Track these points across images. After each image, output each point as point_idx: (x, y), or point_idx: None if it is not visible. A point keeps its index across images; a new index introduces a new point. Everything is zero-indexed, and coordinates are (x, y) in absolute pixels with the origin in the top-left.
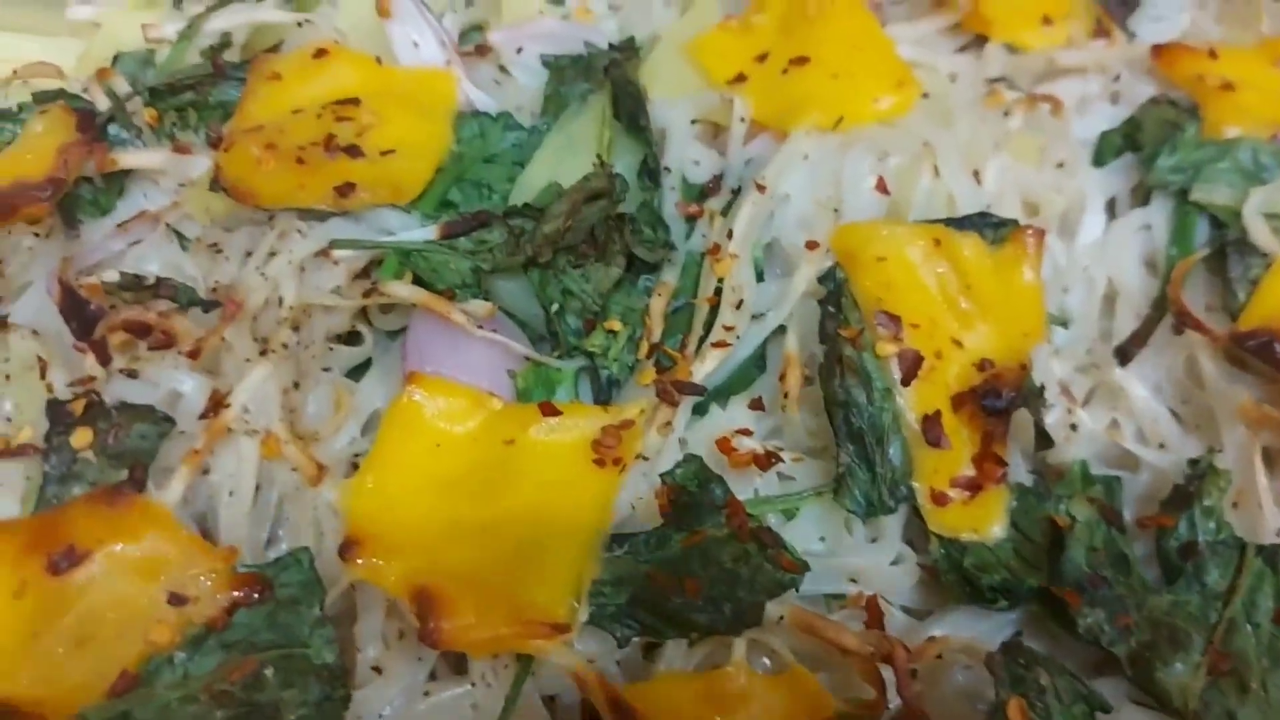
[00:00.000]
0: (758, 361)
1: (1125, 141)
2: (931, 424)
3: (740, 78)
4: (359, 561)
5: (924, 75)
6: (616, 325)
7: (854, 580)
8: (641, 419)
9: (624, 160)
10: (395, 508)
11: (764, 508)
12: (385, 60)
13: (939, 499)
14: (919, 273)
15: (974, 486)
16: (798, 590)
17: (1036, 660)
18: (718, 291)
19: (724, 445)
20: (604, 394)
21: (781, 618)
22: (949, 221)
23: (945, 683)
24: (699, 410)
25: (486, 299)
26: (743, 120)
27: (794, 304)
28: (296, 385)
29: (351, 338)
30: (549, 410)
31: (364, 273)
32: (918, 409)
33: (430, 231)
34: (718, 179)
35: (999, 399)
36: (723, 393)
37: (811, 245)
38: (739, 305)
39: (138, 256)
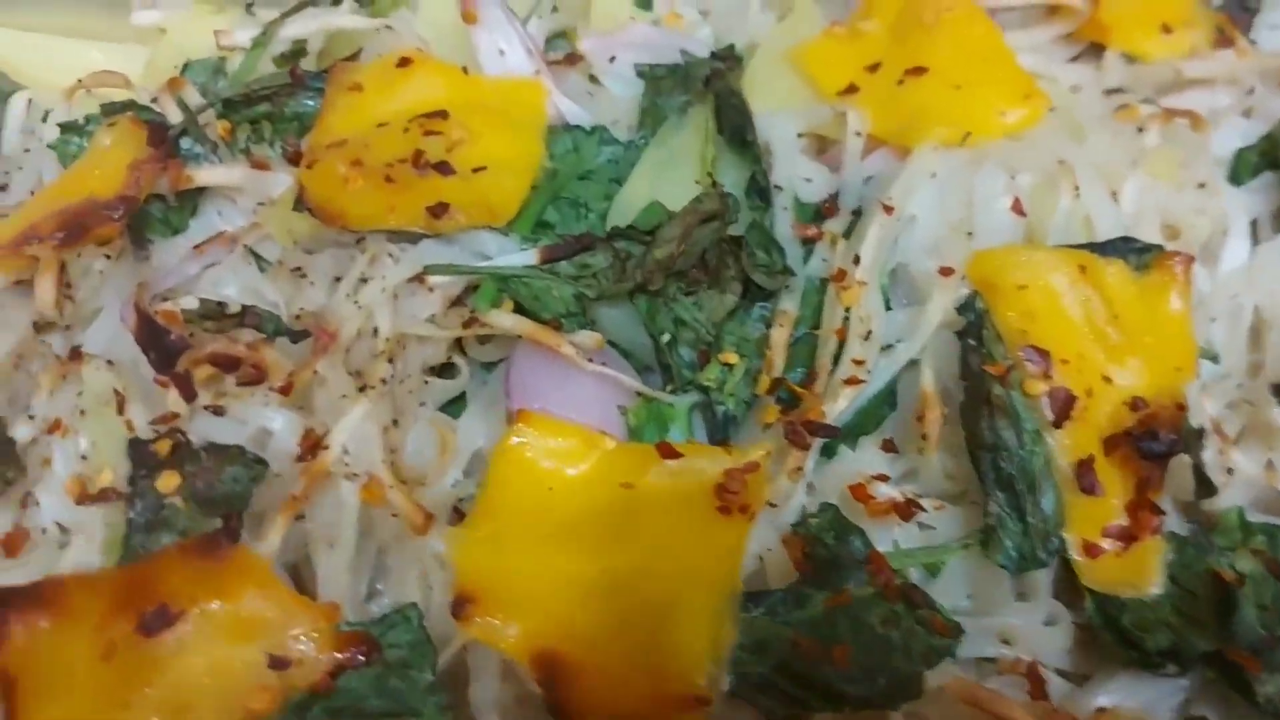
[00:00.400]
0: (888, 398)
1: (1263, 159)
2: (1085, 469)
3: (851, 89)
4: (475, 620)
5: (1046, 86)
6: (732, 357)
7: (1006, 642)
8: (767, 461)
9: (729, 177)
10: (509, 559)
11: (907, 561)
12: (469, 69)
13: (1091, 550)
14: (1064, 303)
15: (1128, 537)
16: (954, 656)
17: None
18: (843, 322)
19: (859, 492)
20: (719, 431)
21: (941, 688)
22: (1092, 246)
23: None
24: (826, 452)
25: (591, 328)
26: (859, 134)
27: (929, 335)
28: (395, 423)
29: (444, 369)
30: (668, 452)
31: (459, 299)
32: (1070, 453)
33: (530, 255)
34: (834, 198)
35: (1157, 442)
36: (852, 433)
37: (946, 272)
38: (867, 336)
39: (213, 280)
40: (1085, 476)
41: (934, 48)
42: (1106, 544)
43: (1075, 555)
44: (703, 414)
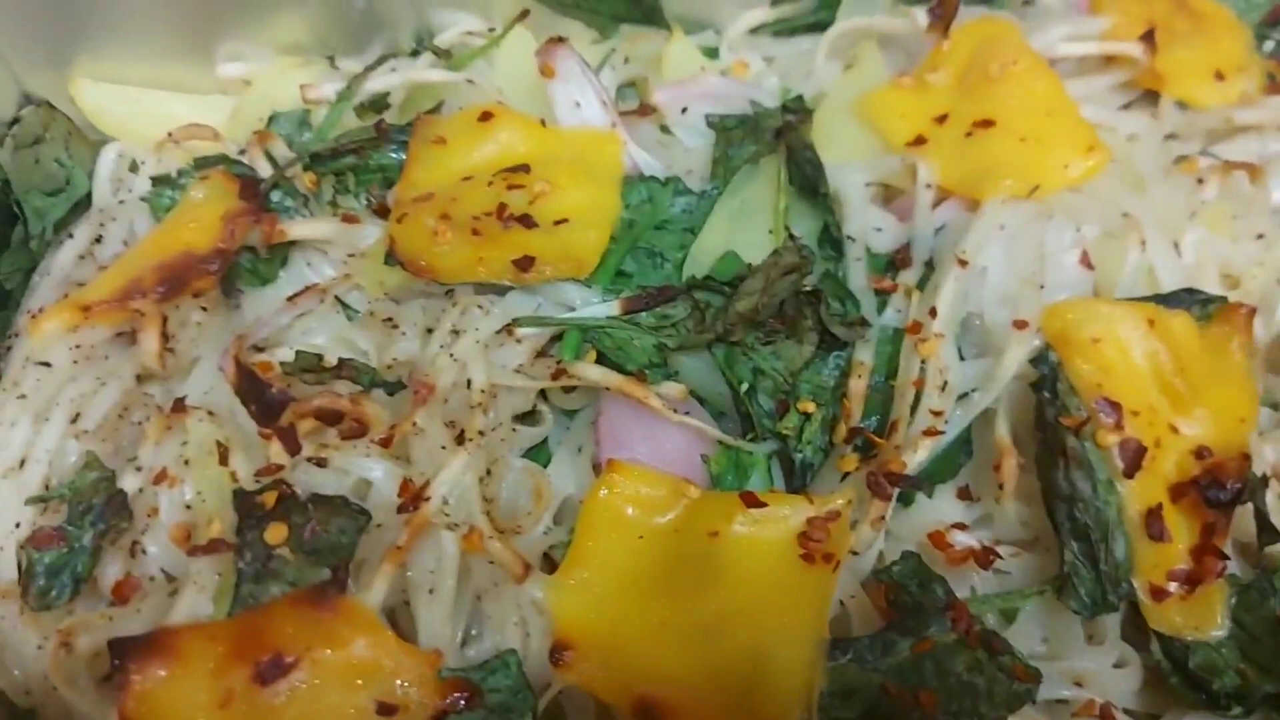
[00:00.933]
0: (964, 447)
1: None
2: (1154, 517)
3: (919, 140)
4: (572, 666)
5: (1105, 136)
6: (810, 406)
7: (1079, 684)
8: (848, 510)
9: (801, 227)
10: (602, 606)
11: (984, 608)
12: (547, 121)
13: (1158, 594)
14: (1135, 355)
15: (1193, 581)
16: (1034, 702)
17: None
18: (919, 373)
19: (938, 540)
20: (798, 479)
21: None
22: (1158, 298)
23: None
24: (904, 499)
25: (672, 377)
26: (929, 186)
27: (1004, 386)
28: (489, 472)
29: (527, 416)
30: (752, 501)
31: (544, 349)
32: (1139, 501)
33: (612, 306)
34: (906, 249)
35: (1223, 490)
36: (929, 480)
37: (1020, 324)
38: (944, 387)
39: (304, 330)
40: (1154, 524)
41: (1000, 100)
42: (1173, 587)
43: (1144, 598)
44: (780, 461)
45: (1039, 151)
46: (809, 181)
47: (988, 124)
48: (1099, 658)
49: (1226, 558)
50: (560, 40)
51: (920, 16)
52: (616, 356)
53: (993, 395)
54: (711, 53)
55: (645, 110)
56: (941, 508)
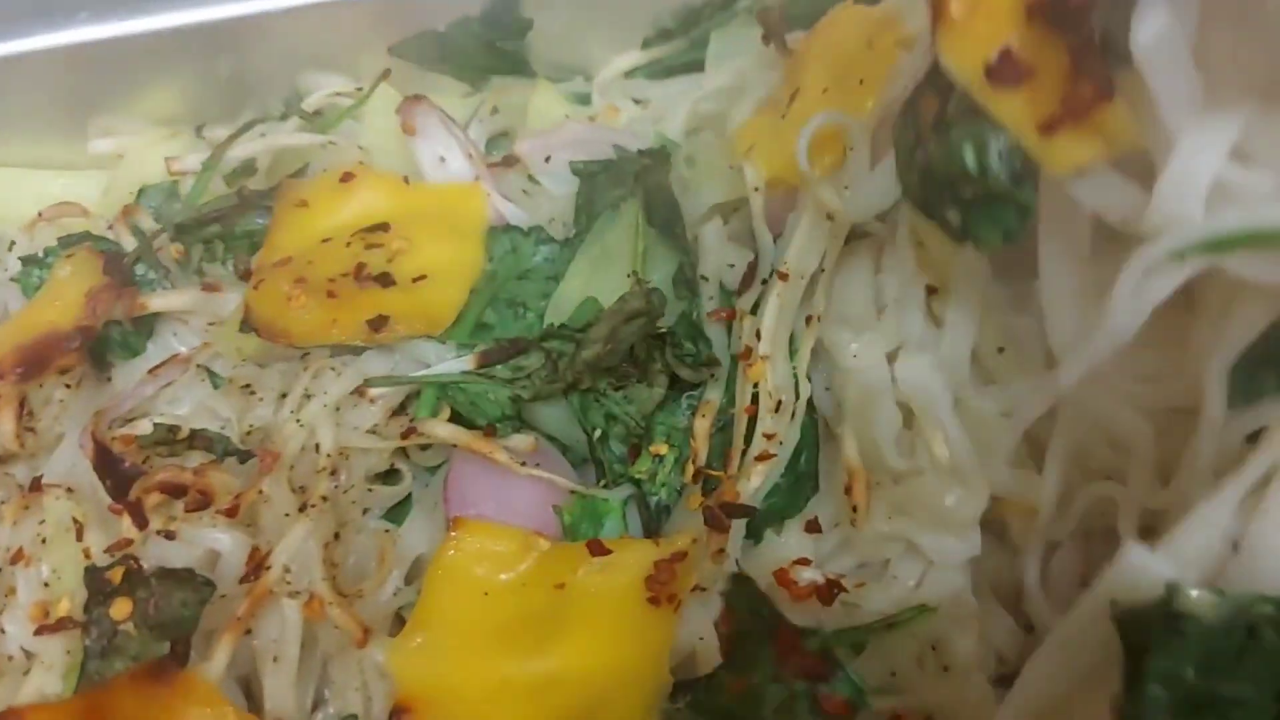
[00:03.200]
0: (811, 480)
1: None
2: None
3: (750, 147)
4: None
5: None
6: (663, 449)
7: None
8: (694, 549)
9: (661, 270)
10: (445, 666)
11: (836, 641)
12: (412, 177)
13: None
14: None
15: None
16: None
17: None
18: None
19: (782, 577)
20: (654, 522)
21: None
22: None
23: None
24: (753, 536)
25: (526, 427)
26: (757, 190)
27: (808, 387)
28: (337, 536)
29: (389, 475)
30: (598, 549)
31: (401, 408)
32: None
33: (466, 361)
34: (751, 269)
35: None
36: (777, 516)
37: (808, 320)
38: (778, 408)
39: (169, 399)
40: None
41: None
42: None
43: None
44: (637, 506)
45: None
46: (666, 223)
47: (795, 96)
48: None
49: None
50: (419, 98)
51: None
52: (469, 411)
53: (804, 401)
54: (585, 99)
55: (510, 161)
56: (790, 544)
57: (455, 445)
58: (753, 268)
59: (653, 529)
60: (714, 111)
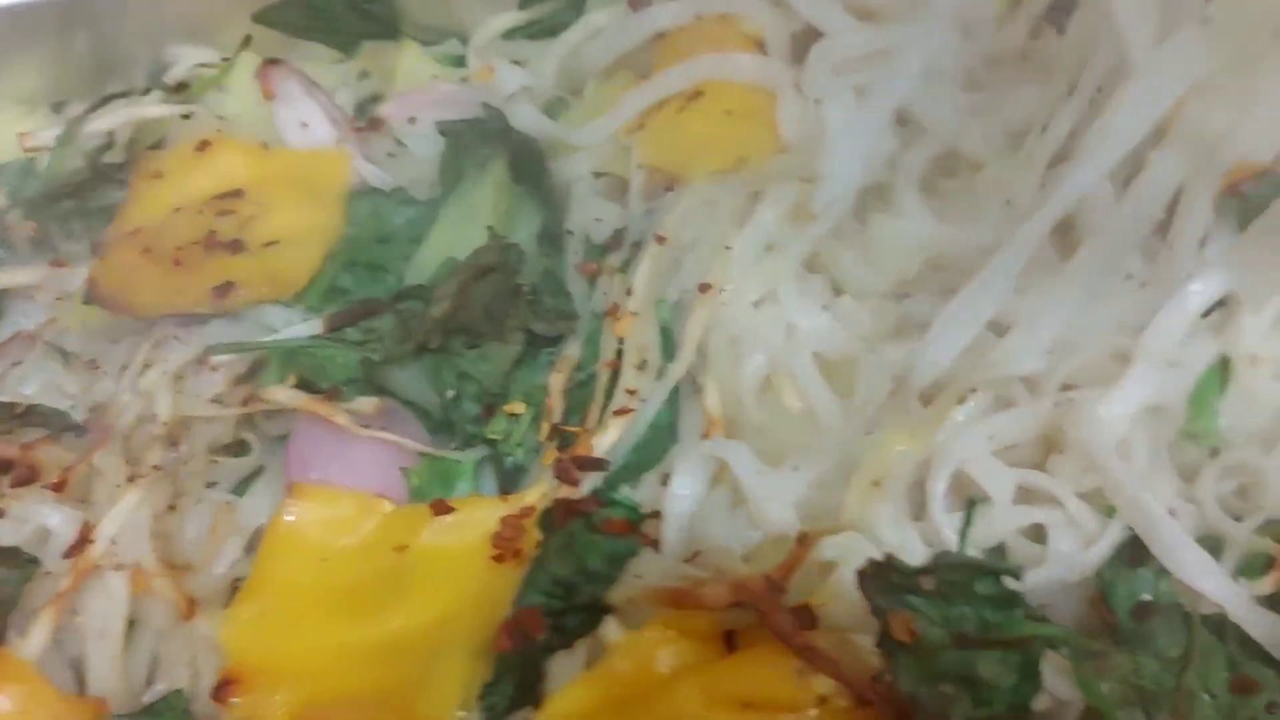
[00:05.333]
0: (670, 431)
1: None
2: None
3: (640, 124)
4: (234, 701)
5: None
6: (519, 407)
7: None
8: (542, 502)
9: (526, 228)
10: (277, 635)
11: None
12: (272, 144)
13: None
14: None
15: None
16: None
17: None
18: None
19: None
20: (509, 483)
21: (631, 600)
22: None
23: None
24: (609, 490)
25: (380, 392)
26: (640, 168)
27: (691, 354)
28: (173, 508)
29: (240, 447)
30: (441, 508)
31: (249, 376)
32: None
33: (315, 325)
34: (619, 233)
35: None
36: (632, 470)
37: (704, 288)
38: (642, 366)
39: (18, 378)
40: None
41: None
42: None
43: None
44: (494, 468)
45: (746, 124)
46: (533, 179)
47: (697, 95)
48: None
49: None
50: (276, 62)
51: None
52: (317, 376)
53: (683, 365)
54: (460, 61)
55: (376, 124)
56: (645, 498)
57: (296, 410)
58: (622, 231)
59: (509, 490)
60: (579, 69)
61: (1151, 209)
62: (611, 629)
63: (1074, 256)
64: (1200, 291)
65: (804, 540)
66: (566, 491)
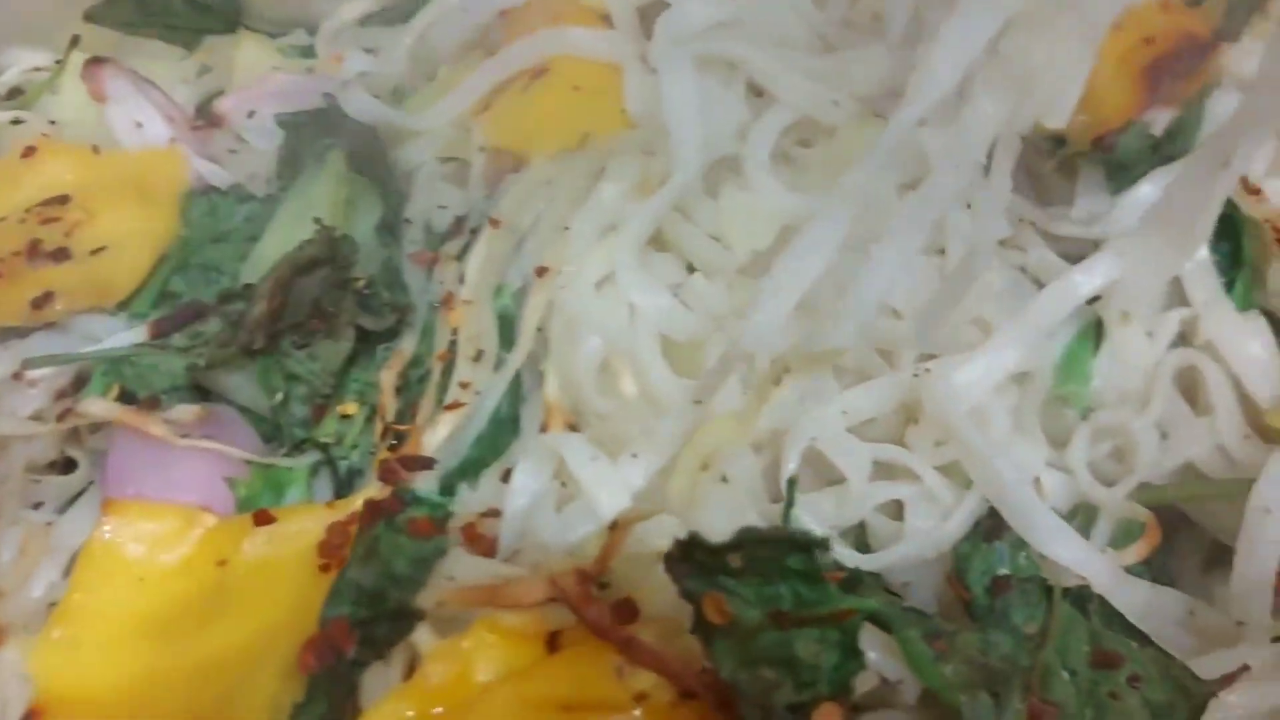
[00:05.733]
0: (512, 426)
1: None
2: None
3: (486, 106)
4: None
5: None
6: (351, 408)
7: None
8: None
9: (367, 218)
10: (88, 662)
11: None
12: (105, 147)
13: None
14: None
15: None
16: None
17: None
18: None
19: (469, 532)
20: (346, 488)
21: (440, 604)
22: None
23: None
24: (447, 490)
25: (212, 399)
26: (482, 150)
27: (529, 342)
28: None
29: (69, 465)
30: (262, 518)
31: (73, 390)
32: None
33: (140, 333)
34: (460, 220)
35: None
36: (473, 467)
37: (541, 271)
38: (478, 357)
39: None
40: None
41: None
42: None
43: None
44: (331, 472)
45: (593, 99)
46: (372, 168)
47: (543, 73)
48: None
49: None
50: (101, 60)
51: None
52: (138, 386)
53: (520, 355)
54: (309, 52)
55: (215, 121)
56: (483, 495)
57: (113, 423)
58: (463, 218)
59: (346, 495)
60: (431, 53)
61: (971, 154)
62: (424, 636)
63: (896, 217)
64: (1084, 282)
65: (617, 528)
66: (372, 493)
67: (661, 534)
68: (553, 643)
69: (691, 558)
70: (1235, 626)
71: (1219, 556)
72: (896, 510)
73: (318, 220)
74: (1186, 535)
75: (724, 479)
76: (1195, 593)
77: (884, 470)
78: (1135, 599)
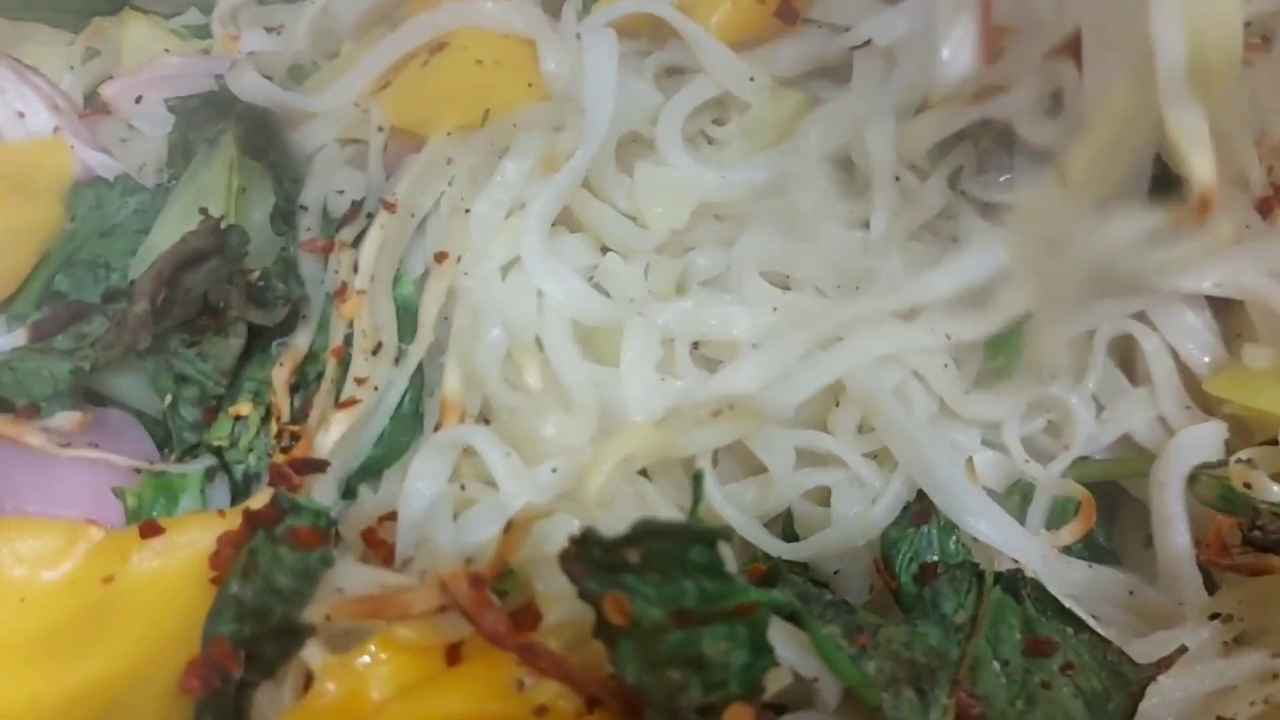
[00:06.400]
0: (415, 422)
1: None
2: None
3: (386, 84)
4: None
5: None
6: (244, 408)
7: None
8: None
9: (262, 206)
10: None
11: None
12: None
13: None
14: None
15: None
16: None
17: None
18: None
19: (370, 537)
20: (244, 493)
21: (328, 617)
22: None
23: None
24: (349, 493)
25: (101, 404)
26: (380, 130)
27: (429, 333)
28: None
29: None
30: (150, 530)
31: None
32: None
33: (19, 336)
34: (356, 205)
35: None
36: (374, 467)
37: (441, 256)
38: (376, 350)
39: None
40: None
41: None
42: None
43: None
44: (227, 477)
45: (497, 73)
46: (265, 154)
47: (441, 47)
48: None
49: None
50: None
51: None
52: (16, 393)
53: (421, 347)
54: (204, 32)
55: (101, 108)
56: (385, 498)
57: None
58: (359, 203)
59: (243, 502)
60: (333, 29)
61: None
62: (315, 653)
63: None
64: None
65: (512, 528)
66: (251, 501)
67: (565, 534)
68: (453, 655)
69: (589, 554)
70: (1175, 606)
71: None
72: (826, 496)
73: (204, 210)
74: (1128, 512)
75: (644, 474)
76: (1140, 571)
77: (810, 457)
78: (1072, 580)
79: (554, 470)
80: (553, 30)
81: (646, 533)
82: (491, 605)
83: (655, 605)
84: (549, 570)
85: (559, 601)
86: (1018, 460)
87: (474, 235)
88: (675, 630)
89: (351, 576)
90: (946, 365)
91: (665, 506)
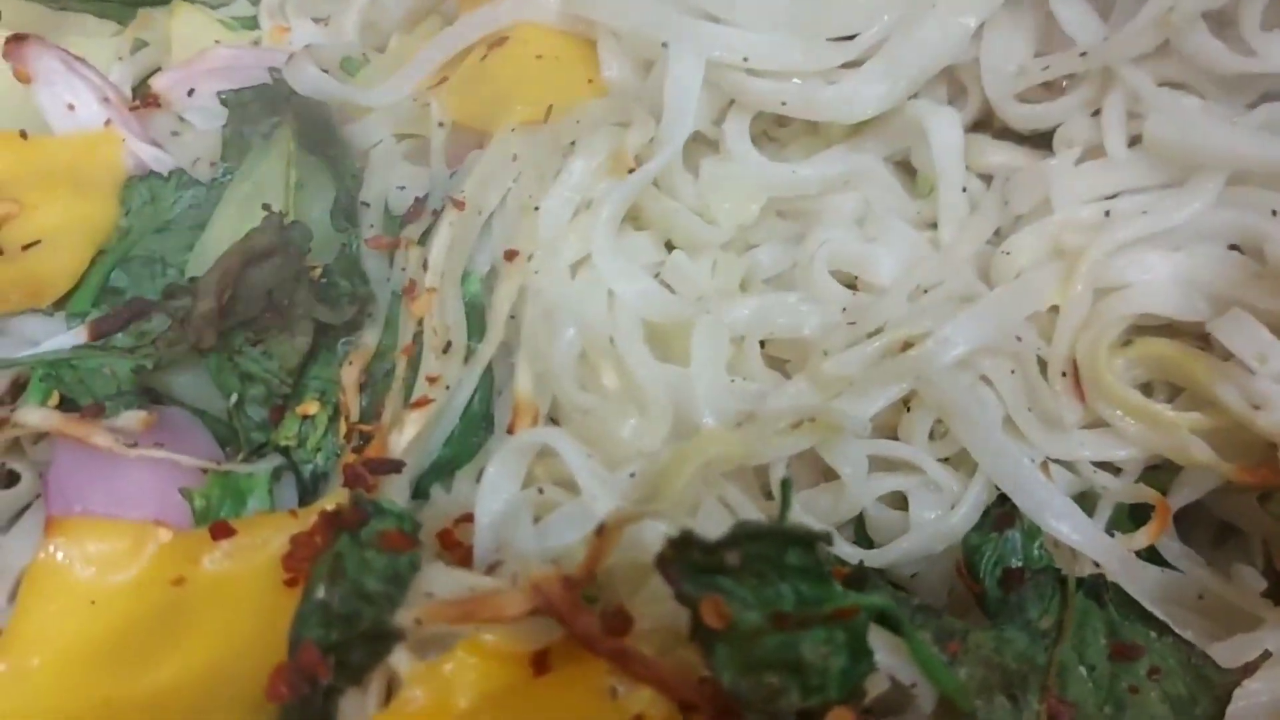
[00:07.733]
0: (484, 422)
1: None
2: None
3: (443, 79)
4: None
5: None
6: (312, 407)
7: None
8: None
9: (320, 203)
10: (37, 695)
11: None
12: (39, 130)
13: None
14: None
15: None
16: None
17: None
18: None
19: (446, 539)
20: (311, 494)
21: (419, 621)
22: None
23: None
24: (420, 493)
25: (160, 402)
26: (441, 125)
27: (500, 332)
28: None
29: (11, 478)
30: (221, 532)
31: (11, 398)
32: None
33: (79, 334)
34: (420, 201)
35: None
36: (445, 467)
37: (511, 255)
38: (446, 349)
39: None
40: None
41: None
42: None
43: None
44: (295, 477)
45: (557, 68)
46: (323, 149)
47: (501, 41)
48: None
49: None
50: (24, 37)
51: None
52: (79, 392)
53: (491, 346)
54: (252, 23)
55: (152, 101)
56: (458, 498)
57: (52, 434)
58: (423, 199)
59: (311, 502)
60: (383, 22)
61: None
62: (402, 659)
63: None
64: None
65: (604, 533)
66: (330, 502)
67: (654, 538)
68: (540, 663)
69: (686, 557)
70: (1247, 609)
71: (1226, 536)
72: (900, 500)
73: (266, 206)
74: (1190, 513)
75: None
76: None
77: (880, 462)
78: (1147, 584)
79: (632, 475)
80: (611, 35)
81: (745, 535)
82: (585, 609)
83: (753, 609)
84: (639, 575)
85: (649, 606)
86: (1084, 467)
87: (544, 233)
88: (773, 634)
89: (440, 580)
90: (1014, 371)
91: (749, 511)
